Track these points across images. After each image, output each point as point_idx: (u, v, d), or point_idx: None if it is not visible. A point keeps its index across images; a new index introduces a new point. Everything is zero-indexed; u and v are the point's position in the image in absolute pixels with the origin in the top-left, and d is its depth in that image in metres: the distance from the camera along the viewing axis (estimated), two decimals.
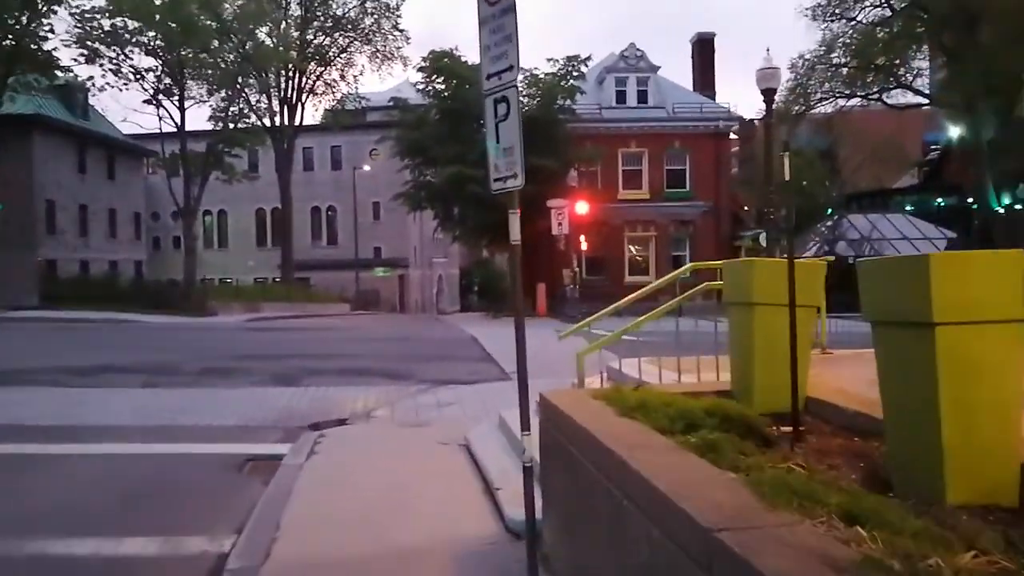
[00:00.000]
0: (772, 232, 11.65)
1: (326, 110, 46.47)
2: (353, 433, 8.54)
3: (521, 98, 23.41)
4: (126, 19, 29.75)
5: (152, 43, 30.90)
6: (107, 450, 7.79)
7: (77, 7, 29.61)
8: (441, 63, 29.85)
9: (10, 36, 29.87)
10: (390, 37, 42.65)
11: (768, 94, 12.62)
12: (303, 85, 43.07)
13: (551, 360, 15.91)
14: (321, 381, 12.28)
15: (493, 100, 4.23)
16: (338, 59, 43.49)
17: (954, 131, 45.57)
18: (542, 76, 30.24)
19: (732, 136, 36.90)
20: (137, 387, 11.62)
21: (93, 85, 32.28)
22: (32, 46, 30.10)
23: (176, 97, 32.04)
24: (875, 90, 37.48)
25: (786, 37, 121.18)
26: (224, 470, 7.13)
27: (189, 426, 9.06)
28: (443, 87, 30.12)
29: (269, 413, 9.85)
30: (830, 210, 44.35)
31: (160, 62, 31.26)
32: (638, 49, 34.32)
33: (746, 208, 13.30)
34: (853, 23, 34.65)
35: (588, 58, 30.52)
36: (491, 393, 10.85)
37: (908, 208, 45.08)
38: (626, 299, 6.88)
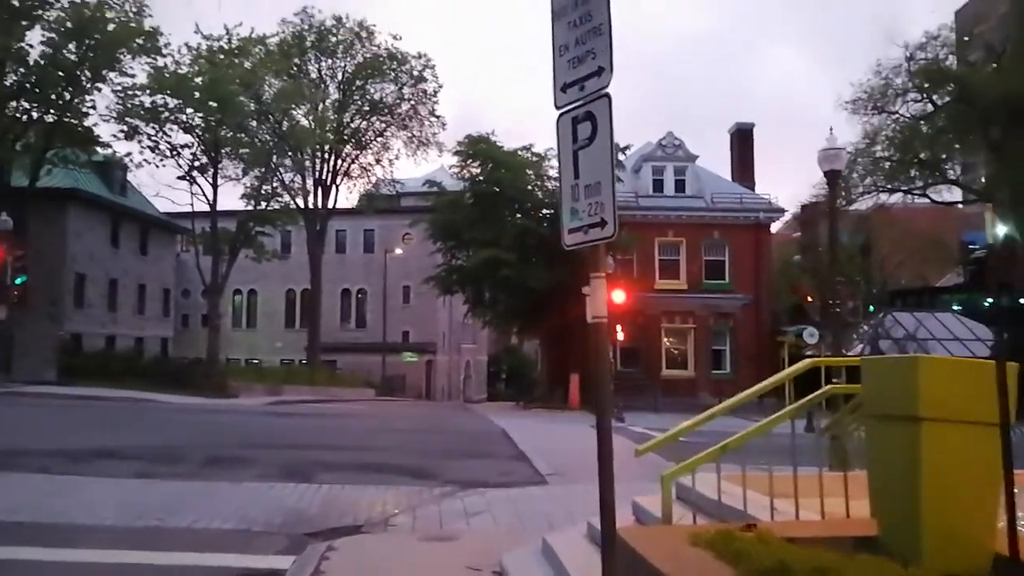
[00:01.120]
0: (830, 326, 10.38)
1: (361, 194, 46.61)
2: (367, 547, 7.22)
3: (557, 182, 22.31)
4: (166, 96, 29.96)
5: (190, 120, 31.03)
6: (74, 557, 6.57)
7: (119, 84, 29.93)
8: (477, 147, 29.58)
9: (53, 111, 30.22)
10: (426, 123, 43.02)
11: (832, 176, 11.61)
12: (338, 167, 43.30)
13: (593, 462, 14.52)
14: (336, 477, 11.02)
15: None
16: (374, 143, 43.80)
17: (1001, 228, 44.40)
18: None
19: (785, 220, 35.96)
20: (130, 477, 10.44)
21: (131, 161, 32.37)
22: (73, 121, 30.40)
23: (210, 174, 31.95)
24: (919, 185, 36.52)
25: (822, 130, 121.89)
26: None
27: (179, 528, 7.84)
28: (478, 171, 29.74)
29: (274, 515, 8.60)
30: (872, 307, 42.83)
31: (196, 139, 31.31)
32: (676, 138, 33.87)
33: (810, 299, 12.38)
34: (895, 117, 34.00)
35: (627, 147, 30.06)
36: (526, 501, 9.51)
37: (955, 307, 43.39)
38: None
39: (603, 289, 3.35)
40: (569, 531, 6.45)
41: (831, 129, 11.57)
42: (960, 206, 42.60)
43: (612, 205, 3.10)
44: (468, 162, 29.97)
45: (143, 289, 42.58)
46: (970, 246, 49.97)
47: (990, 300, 41.10)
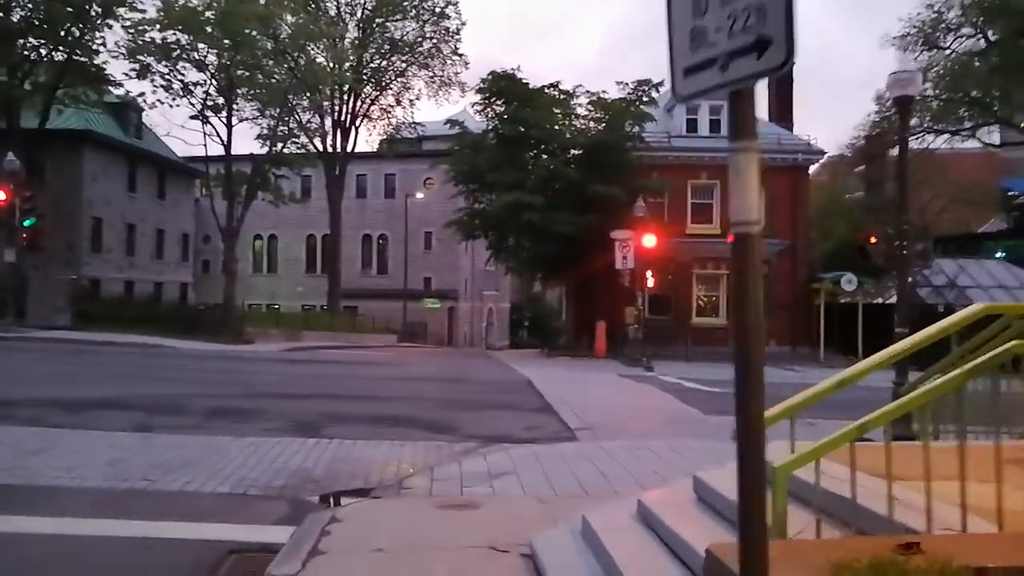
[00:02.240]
0: (897, 270, 9.20)
1: (381, 139, 45.34)
2: (375, 517, 6.29)
3: (587, 122, 21.00)
4: (177, 32, 28.70)
5: (202, 58, 29.81)
6: (32, 527, 5.70)
7: (129, 20, 28.67)
8: (500, 84, 28.09)
9: (62, 48, 29.13)
10: (448, 62, 41.42)
11: (903, 103, 10.24)
12: (357, 109, 41.94)
13: (625, 415, 13.60)
14: (349, 431, 10.15)
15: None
16: (394, 83, 42.31)
17: None
18: (610, 100, 28.23)
19: (822, 163, 34.16)
20: (127, 430, 9.64)
21: (144, 101, 31.26)
22: (83, 59, 29.32)
23: (224, 114, 30.80)
24: (967, 126, 34.53)
25: (869, 71, 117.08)
26: (192, 572, 4.98)
27: (168, 492, 6.98)
28: (502, 109, 28.29)
29: (276, 475, 7.73)
30: None
31: (209, 76, 30.12)
32: None
33: (873, 240, 11.37)
34: (948, 53, 31.92)
35: (660, 83, 28.41)
36: (555, 460, 8.56)
37: (999, 255, 41.60)
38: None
39: (751, 175, 2.23)
40: (612, 507, 5.45)
41: (904, 50, 10.21)
42: (1001, 151, 40.44)
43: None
44: (491, 100, 28.50)
45: (161, 234, 41.94)
46: (1008, 192, 47.88)
47: None
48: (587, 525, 4.79)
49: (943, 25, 31.05)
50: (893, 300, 34.47)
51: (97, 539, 5.53)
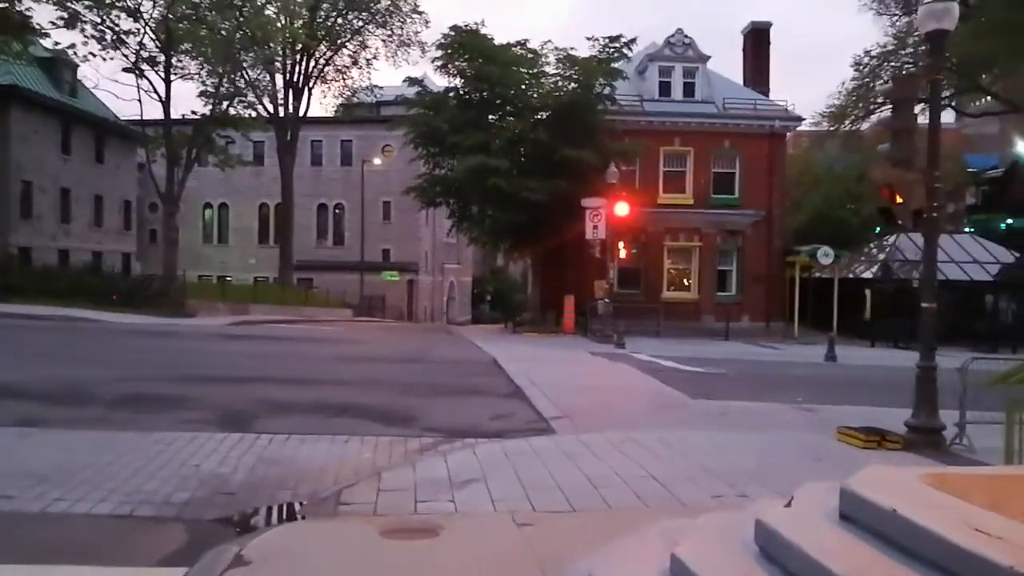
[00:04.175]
0: (926, 232, 7.78)
1: (338, 105, 43.02)
2: (298, 553, 4.65)
3: (555, 80, 19.39)
4: None
5: (136, 4, 27.27)
6: None
7: None
8: (464, 39, 26.13)
9: None
10: (408, 20, 39.19)
11: (936, 39, 8.73)
12: (311, 70, 39.57)
13: (604, 400, 12.12)
14: (284, 424, 8.48)
15: None
16: (351, 42, 39.97)
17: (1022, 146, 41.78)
18: (580, 57, 26.45)
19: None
20: (9, 424, 7.84)
21: (75, 54, 28.52)
22: (3, 4, 26.56)
23: (162, 67, 28.31)
24: (946, 95, 33.49)
25: (847, 35, 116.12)
26: None
27: (26, 514, 5.28)
28: (465, 66, 26.32)
29: (182, 485, 6.06)
30: (878, 228, 40.39)
31: (143, 24, 27.60)
32: (686, 36, 30.38)
33: (900, 200, 10.41)
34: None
35: (633, 40, 26.76)
36: (530, 460, 7.02)
37: (968, 229, 41.09)
38: None
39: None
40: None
41: None
42: (964, 128, 39.66)
43: None
44: (453, 57, 26.48)
45: (100, 200, 39.24)
46: (969, 169, 47.47)
47: (1009, 221, 38.96)
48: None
49: None
50: (868, 275, 33.90)
51: None
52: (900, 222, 22.37)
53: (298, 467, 6.83)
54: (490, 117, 27.12)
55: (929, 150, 8.43)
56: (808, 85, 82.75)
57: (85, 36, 27.68)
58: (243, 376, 12.51)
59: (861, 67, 31.32)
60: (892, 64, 30.30)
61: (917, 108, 11.32)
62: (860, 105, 32.39)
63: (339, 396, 10.70)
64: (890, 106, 30.06)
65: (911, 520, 2.58)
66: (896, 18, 31.11)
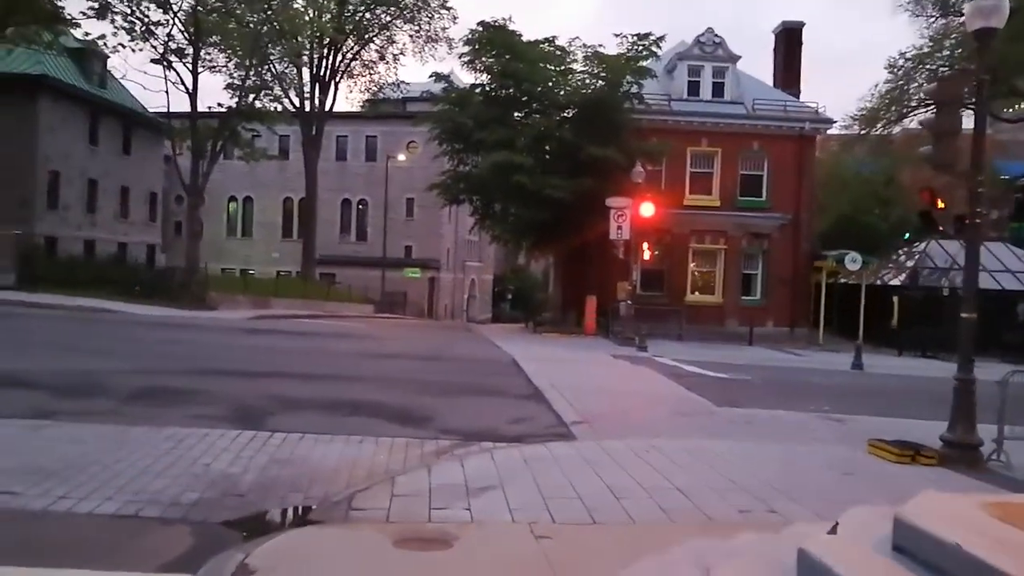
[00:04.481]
0: (968, 239, 7.43)
1: (364, 99, 43.00)
2: (307, 561, 4.44)
3: (583, 78, 19.20)
4: None
5: None
6: None
7: None
8: (491, 35, 25.90)
9: None
10: (436, 16, 39.01)
11: (984, 37, 8.35)
12: (338, 64, 39.54)
13: (626, 405, 11.85)
14: (297, 422, 8.29)
15: None
16: (378, 37, 39.87)
17: None
18: (608, 55, 26.13)
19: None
20: (20, 416, 7.72)
21: (105, 44, 28.63)
22: None
23: (189, 59, 28.35)
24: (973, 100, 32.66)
25: (877, 39, 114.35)
26: None
27: (28, 511, 5.11)
28: (492, 61, 26.08)
29: (192, 484, 5.87)
30: (907, 234, 39.61)
31: (172, 15, 27.65)
32: (716, 35, 29.92)
33: (942, 205, 10.01)
34: (964, 19, 29.90)
35: (662, 38, 26.37)
36: (550, 467, 6.78)
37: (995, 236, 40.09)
38: None
39: None
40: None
41: None
42: (998, 134, 38.62)
43: None
44: (480, 52, 26.27)
45: (126, 192, 39.48)
46: (1002, 176, 46.40)
47: None
48: None
49: None
50: (896, 281, 33.20)
51: None
52: (941, 228, 21.56)
53: (311, 468, 6.63)
54: (516, 114, 26.89)
55: (973, 154, 8.06)
56: (835, 90, 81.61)
57: (115, 27, 27.86)
58: (260, 371, 12.38)
59: (896, 69, 30.67)
60: (928, 67, 29.62)
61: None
62: (893, 108, 31.74)
63: (356, 393, 10.53)
64: (925, 108, 29.40)
65: (979, 558, 2.31)
66: (933, 20, 30.47)
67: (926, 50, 29.71)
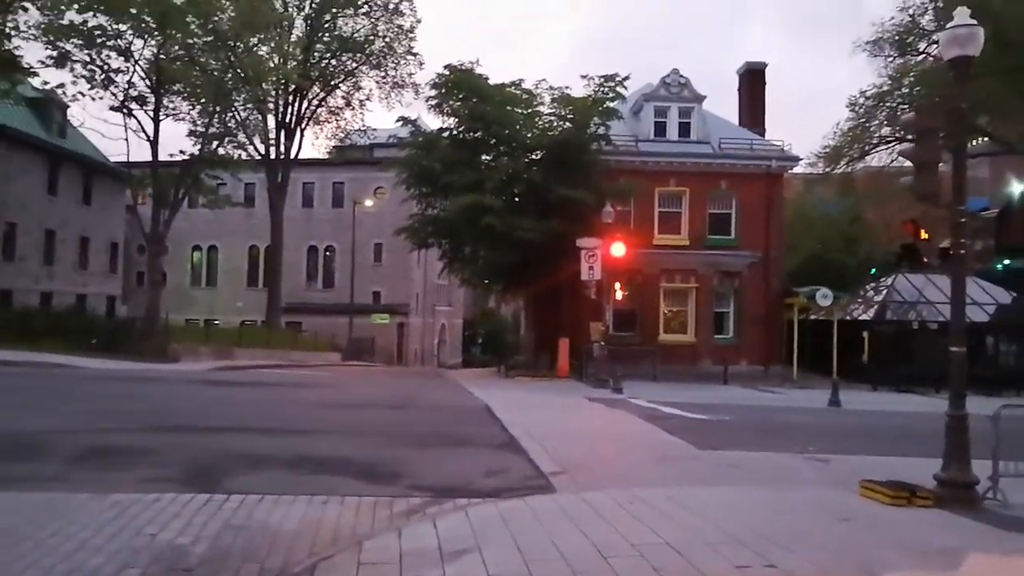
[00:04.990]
0: (952, 271, 7.29)
1: (333, 146, 42.72)
2: None
3: (550, 119, 19.11)
4: (99, 14, 25.78)
5: (128, 43, 26.90)
6: None
7: None
8: (458, 78, 25.85)
9: None
10: (402, 62, 39.08)
11: (961, 66, 8.22)
12: (304, 111, 39.30)
13: (606, 452, 11.40)
14: (256, 482, 7.70)
15: None
16: (344, 83, 39.76)
17: (1018, 187, 41.54)
18: (575, 97, 26.20)
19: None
20: None
21: (64, 93, 28.02)
22: None
23: (151, 107, 27.84)
24: (943, 135, 33.22)
25: (834, 78, 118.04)
26: None
27: None
28: (459, 105, 26.00)
29: (131, 560, 5.26)
30: (874, 270, 39.98)
31: (133, 63, 27.19)
32: (681, 76, 30.24)
33: (925, 236, 9.93)
34: (922, 58, 30.58)
35: (627, 78, 26.51)
36: (529, 525, 6.28)
37: (997, 266, 40.37)
38: None
39: None
40: None
41: (967, 7, 8.33)
42: (975, 159, 39.32)
43: None
44: (447, 96, 26.20)
45: (86, 242, 38.58)
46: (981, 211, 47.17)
47: (1006, 261, 38.56)
48: None
49: (917, 30, 29.72)
50: (866, 317, 33.30)
51: None
52: (926, 259, 21.58)
53: (269, 534, 6.06)
54: (484, 157, 26.78)
55: (954, 184, 7.90)
56: (799, 128, 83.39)
57: (75, 75, 27.26)
58: (219, 426, 11.73)
59: (857, 107, 31.18)
60: (888, 104, 30.15)
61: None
62: (856, 146, 32.19)
63: (320, 448, 9.95)
64: (887, 146, 29.65)
65: None
66: (891, 59, 31.06)
67: (886, 88, 30.25)
